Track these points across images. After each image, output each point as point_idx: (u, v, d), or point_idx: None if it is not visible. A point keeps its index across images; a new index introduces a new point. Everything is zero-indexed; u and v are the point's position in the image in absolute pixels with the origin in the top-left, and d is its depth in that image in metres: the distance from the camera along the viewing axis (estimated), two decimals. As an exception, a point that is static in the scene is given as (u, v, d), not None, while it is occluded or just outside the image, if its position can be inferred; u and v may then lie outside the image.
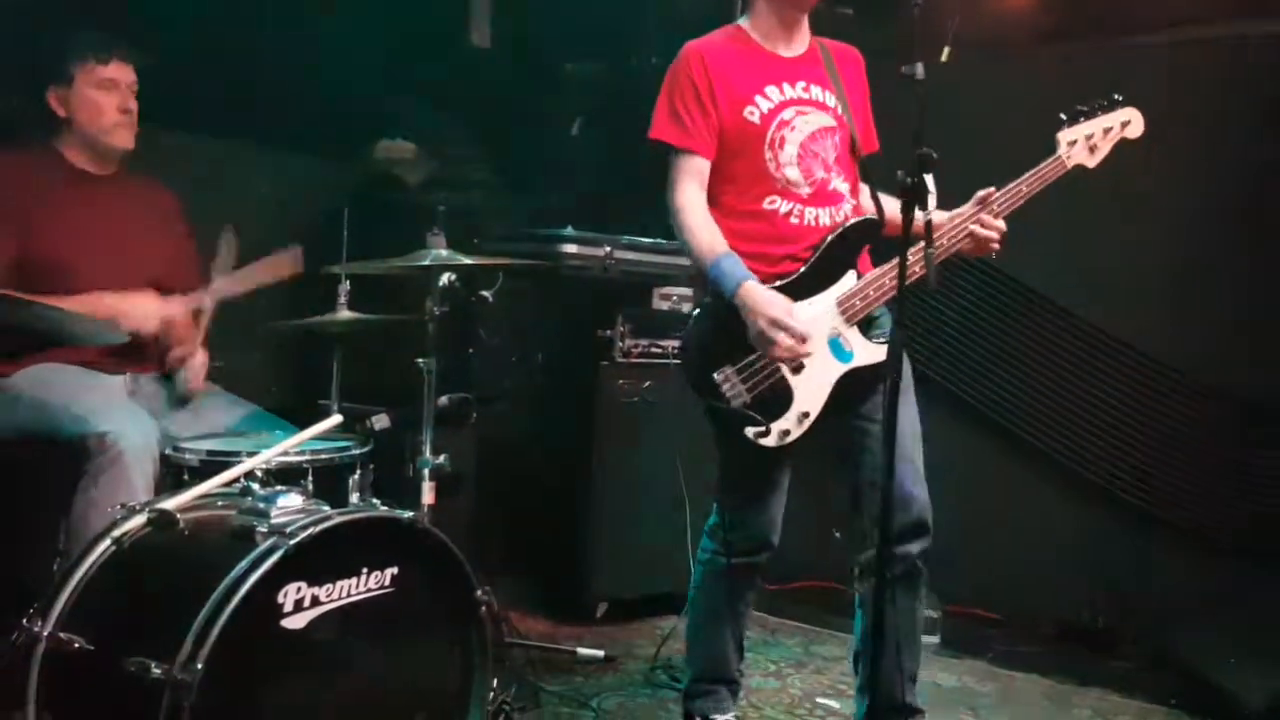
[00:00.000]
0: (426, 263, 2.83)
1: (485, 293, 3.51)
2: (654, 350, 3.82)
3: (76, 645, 1.94)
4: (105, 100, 2.81)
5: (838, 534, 4.01)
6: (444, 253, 2.87)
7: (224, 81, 3.51)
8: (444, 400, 2.96)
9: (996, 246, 2.55)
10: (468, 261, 2.89)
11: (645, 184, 3.71)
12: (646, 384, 3.78)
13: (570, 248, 3.71)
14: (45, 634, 1.96)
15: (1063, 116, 2.63)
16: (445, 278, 2.96)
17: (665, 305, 3.86)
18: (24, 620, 2.00)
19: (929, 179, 2.16)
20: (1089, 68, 3.72)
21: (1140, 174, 3.31)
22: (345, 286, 2.95)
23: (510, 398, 3.88)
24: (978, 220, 2.52)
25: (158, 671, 1.80)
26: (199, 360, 2.95)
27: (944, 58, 2.14)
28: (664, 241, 3.86)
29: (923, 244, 2.19)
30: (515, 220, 4.06)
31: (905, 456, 2.53)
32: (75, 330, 2.44)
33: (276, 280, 3.02)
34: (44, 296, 2.62)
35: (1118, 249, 3.81)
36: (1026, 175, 2.57)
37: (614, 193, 4.21)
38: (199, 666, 1.79)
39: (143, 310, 2.79)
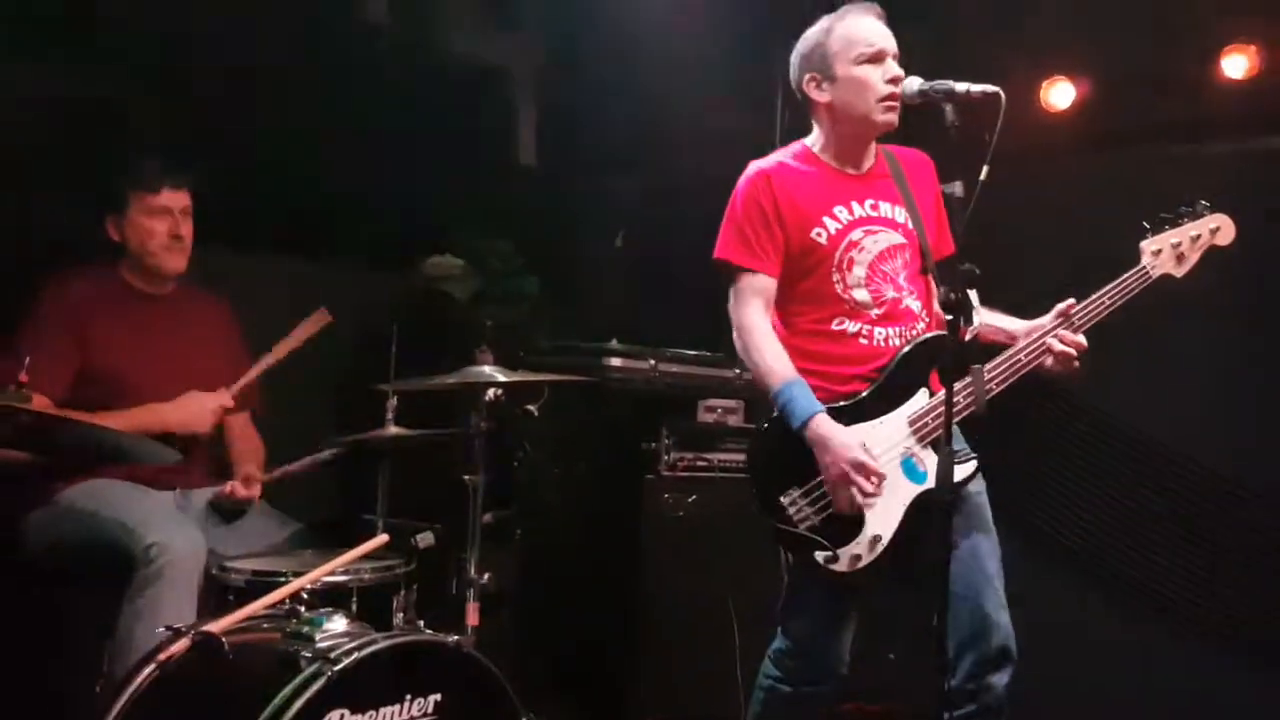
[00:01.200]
0: (471, 380, 2.85)
1: (531, 407, 3.53)
2: (699, 464, 3.78)
3: (119, 773, 1.92)
4: (157, 226, 2.90)
5: (892, 655, 3.91)
6: (490, 369, 2.89)
7: (276, 200, 3.61)
8: (488, 517, 2.95)
9: (1076, 365, 2.48)
10: (513, 379, 2.90)
11: (689, 295, 3.76)
12: (692, 498, 3.74)
13: (615, 361, 3.72)
14: (88, 761, 1.95)
15: (1145, 225, 2.56)
16: (491, 393, 2.97)
17: (710, 418, 3.84)
18: (67, 745, 1.99)
19: (973, 295, 2.16)
20: (1140, 175, 3.68)
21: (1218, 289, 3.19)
22: (392, 402, 2.98)
23: (555, 512, 3.86)
24: (1057, 335, 2.47)
25: (199, 803, 1.77)
26: (251, 470, 2.98)
27: (983, 176, 2.14)
28: (708, 354, 3.87)
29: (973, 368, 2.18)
30: (561, 333, 4.09)
31: (987, 581, 2.45)
32: (131, 449, 2.49)
33: (308, 340, 3.09)
34: (99, 412, 2.69)
35: (1170, 359, 3.69)
36: (1108, 287, 2.49)
37: (659, 304, 4.24)
38: (241, 799, 1.76)
39: (195, 409, 2.86)
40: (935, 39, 2.63)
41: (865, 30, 2.52)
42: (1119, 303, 2.50)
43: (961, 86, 2.26)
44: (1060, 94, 4.03)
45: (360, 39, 3.76)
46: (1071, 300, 2.49)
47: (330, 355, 3.63)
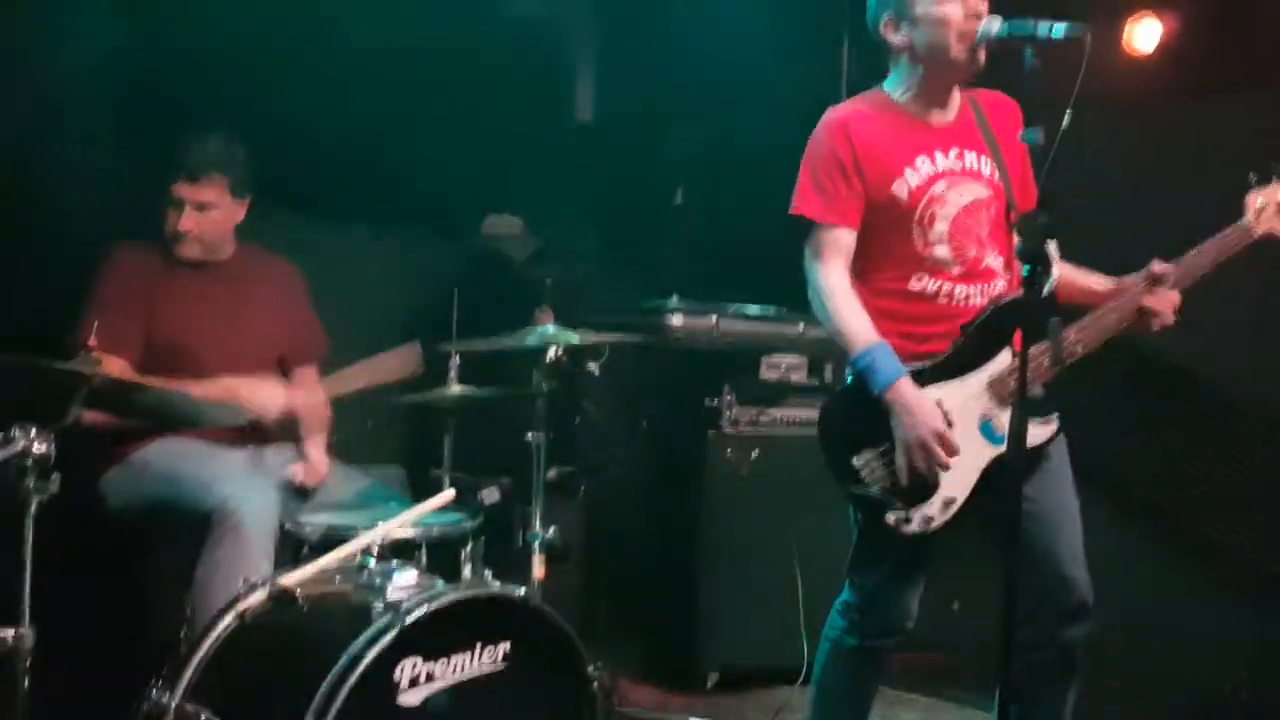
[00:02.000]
0: (533, 342, 2.87)
1: (592, 365, 3.55)
2: (762, 419, 3.78)
3: (203, 717, 2.00)
4: (171, 216, 2.93)
5: (956, 605, 3.90)
6: (551, 329, 2.91)
7: (336, 164, 3.64)
8: (552, 473, 2.99)
9: (1170, 321, 2.39)
10: (574, 340, 2.91)
11: (751, 251, 3.74)
12: (755, 453, 3.75)
13: (676, 318, 3.72)
14: (173, 705, 2.03)
15: (1251, 177, 2.42)
16: (552, 352, 2.99)
17: (773, 375, 3.82)
18: (151, 690, 2.06)
19: (1051, 246, 2.09)
20: (1232, 123, 3.48)
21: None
22: (455, 362, 3.01)
23: (617, 469, 3.88)
24: (1150, 297, 2.38)
25: (279, 747, 1.83)
26: (316, 448, 3.03)
27: (1065, 123, 2.06)
28: (771, 309, 3.85)
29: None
30: (622, 291, 4.09)
31: (1065, 539, 2.41)
32: (199, 414, 2.56)
33: (395, 378, 3.04)
34: (172, 381, 2.76)
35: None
36: (1206, 244, 2.37)
37: (720, 260, 4.22)
38: (319, 742, 1.81)
39: (266, 398, 2.89)
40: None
41: None
42: (1216, 260, 2.38)
43: (1044, 27, 2.14)
44: (1146, 33, 3.85)
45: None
46: (1166, 265, 2.38)
47: (394, 317, 3.69)
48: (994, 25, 2.30)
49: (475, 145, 3.98)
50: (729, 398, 3.74)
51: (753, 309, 3.86)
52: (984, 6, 2.35)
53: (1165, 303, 2.38)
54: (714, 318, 3.78)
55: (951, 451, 2.33)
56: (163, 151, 2.98)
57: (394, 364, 3.04)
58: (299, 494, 2.95)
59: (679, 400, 3.84)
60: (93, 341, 2.30)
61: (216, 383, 2.83)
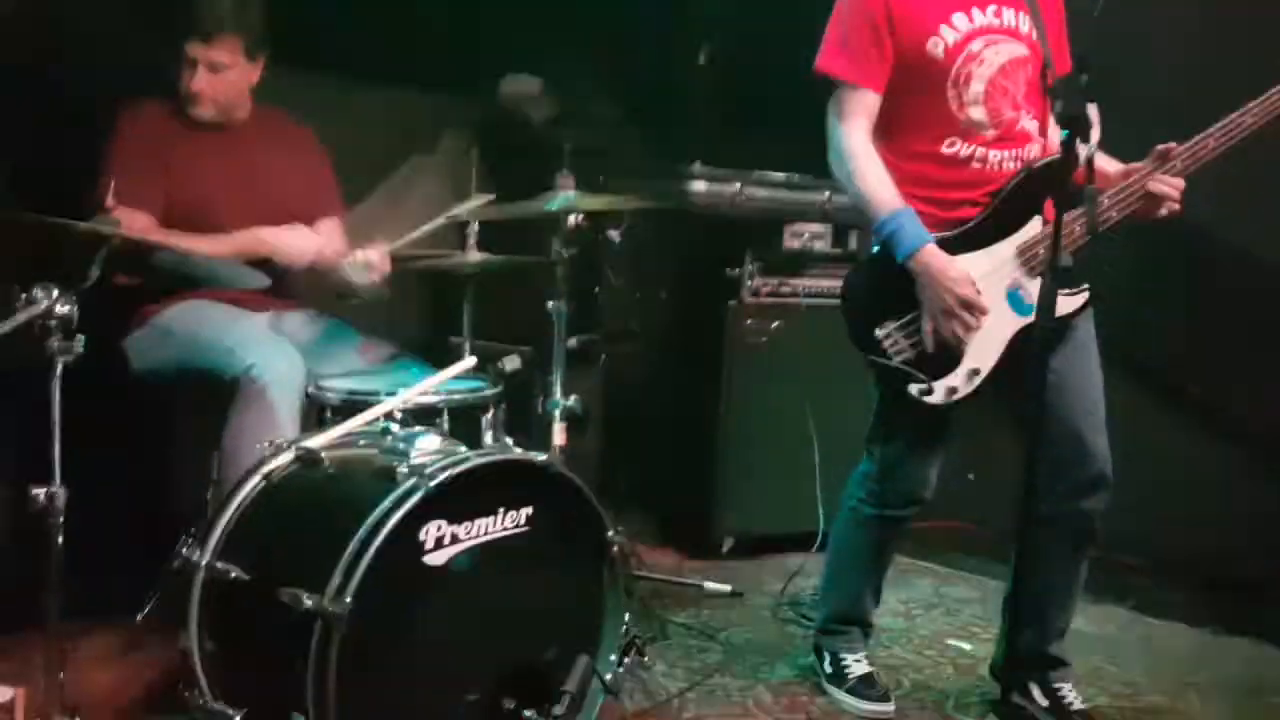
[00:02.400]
0: (552, 207, 2.82)
1: (613, 233, 3.50)
2: (784, 289, 3.74)
3: (233, 575, 2.04)
4: (184, 75, 2.86)
5: (971, 475, 3.93)
6: (570, 195, 2.86)
7: (349, 19, 3.54)
8: (572, 341, 2.98)
9: (1178, 208, 2.33)
10: (593, 206, 2.86)
11: (777, 116, 3.64)
12: (776, 324, 3.73)
13: (699, 185, 3.65)
14: (204, 563, 2.07)
15: None
16: (572, 219, 2.95)
17: (796, 244, 3.77)
18: (183, 549, 2.11)
19: (1092, 110, 2.02)
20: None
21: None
22: (474, 227, 2.98)
23: (638, 337, 3.88)
24: (1155, 181, 2.31)
25: (309, 603, 1.87)
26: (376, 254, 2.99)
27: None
28: (795, 176, 3.77)
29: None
30: (643, 155, 4.01)
31: (1086, 407, 2.41)
32: (220, 274, 2.54)
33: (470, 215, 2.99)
34: (196, 236, 2.74)
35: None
36: (1251, 105, 2.25)
37: (744, 125, 4.12)
38: (348, 600, 1.85)
39: (299, 245, 2.89)
40: None
41: None
42: (1261, 122, 2.27)
43: None
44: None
45: None
46: (1171, 144, 2.31)
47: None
48: None
49: (494, 4, 3.86)
50: (751, 267, 3.70)
51: (776, 176, 3.79)
52: None
53: (1171, 187, 2.32)
54: (737, 185, 3.72)
55: (982, 313, 2.30)
56: (177, 8, 2.89)
57: (469, 207, 3.00)
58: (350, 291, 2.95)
59: (700, 269, 3.81)
60: (110, 201, 2.28)
61: (244, 234, 2.82)
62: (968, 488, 3.64)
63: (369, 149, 3.63)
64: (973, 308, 2.30)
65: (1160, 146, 2.33)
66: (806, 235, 3.78)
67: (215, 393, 2.64)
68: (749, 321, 3.71)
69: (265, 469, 2.18)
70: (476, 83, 4.02)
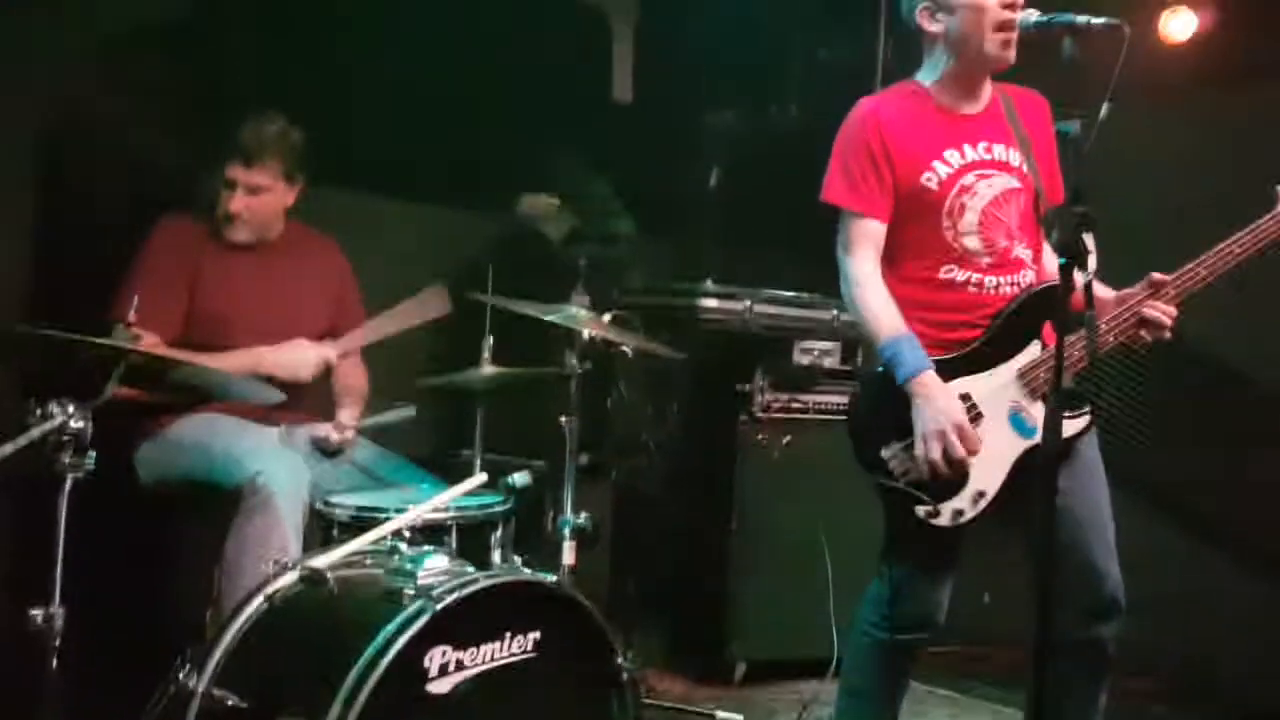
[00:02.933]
0: (567, 322, 2.84)
1: (626, 348, 3.52)
2: (794, 405, 3.74)
3: (230, 703, 1.99)
4: (223, 197, 2.93)
5: (987, 597, 3.85)
6: (586, 310, 2.88)
7: (379, 140, 3.63)
8: (584, 457, 2.97)
9: (1166, 334, 2.37)
10: (607, 325, 2.89)
11: (785, 236, 3.69)
12: (787, 439, 3.71)
13: (710, 301, 3.69)
14: (201, 690, 2.02)
15: None
16: (586, 333, 2.97)
17: (806, 359, 3.79)
18: (179, 673, 2.06)
19: (1088, 239, 2.06)
20: (1259, 118, 3.49)
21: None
22: (489, 341, 2.99)
23: (649, 453, 3.86)
24: (1149, 304, 2.35)
25: (308, 733, 1.83)
26: (346, 414, 3.03)
27: (1103, 114, 2.04)
28: (804, 294, 3.81)
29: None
30: (656, 273, 4.06)
31: (1096, 532, 2.39)
32: (236, 388, 2.55)
33: (425, 323, 3.09)
34: (206, 353, 2.76)
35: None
36: (1239, 234, 2.33)
37: (755, 243, 4.18)
38: (348, 730, 1.81)
39: (299, 358, 2.91)
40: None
41: None
42: (1250, 251, 2.33)
43: (1082, 19, 2.12)
44: (1181, 24, 3.82)
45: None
46: (1162, 276, 2.35)
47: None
48: (1030, 16, 2.29)
49: (515, 124, 3.96)
50: (761, 383, 3.70)
51: (786, 294, 3.82)
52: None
53: (1163, 314, 2.35)
54: (747, 302, 3.75)
55: (970, 445, 2.31)
56: (212, 130, 2.97)
57: (422, 307, 3.08)
58: (328, 454, 2.97)
59: (712, 385, 3.81)
60: (133, 317, 2.30)
61: (244, 353, 2.85)
62: (983, 610, 3.56)
63: (392, 262, 3.68)
64: (962, 433, 2.30)
65: (1153, 276, 2.37)
66: (816, 352, 3.80)
67: (221, 503, 2.63)
68: (760, 437, 3.69)
69: (269, 589, 2.15)
70: (496, 199, 4.10)
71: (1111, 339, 2.38)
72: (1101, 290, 2.42)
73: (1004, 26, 2.37)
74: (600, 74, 4.39)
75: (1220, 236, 2.36)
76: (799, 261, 3.51)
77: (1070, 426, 2.33)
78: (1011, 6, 2.35)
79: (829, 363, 3.81)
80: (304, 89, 3.29)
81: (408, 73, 3.67)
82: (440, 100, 3.77)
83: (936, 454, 2.31)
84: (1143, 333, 2.38)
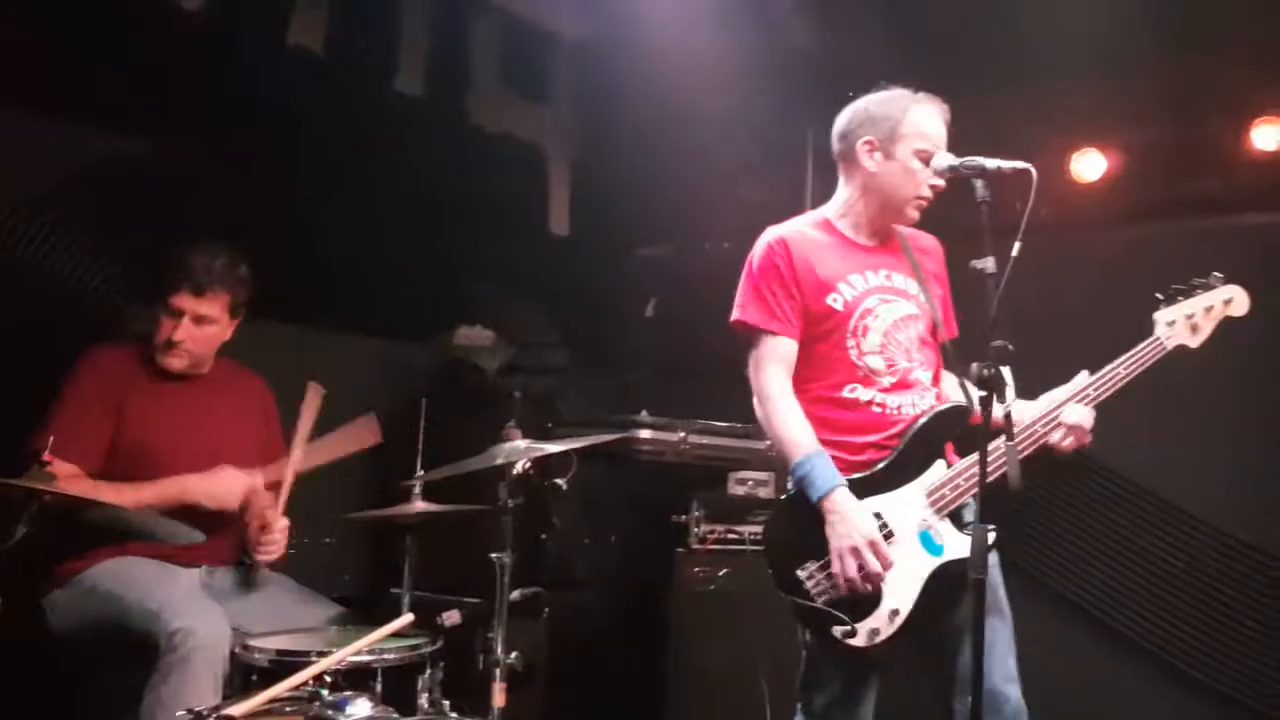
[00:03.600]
0: (500, 459, 2.83)
1: (560, 481, 3.50)
2: (730, 536, 3.72)
3: None
4: (165, 325, 2.92)
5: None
6: (519, 444, 2.88)
7: (310, 271, 3.64)
8: (516, 594, 2.91)
9: (1087, 440, 2.46)
10: (542, 453, 2.88)
11: (720, 366, 3.74)
12: (723, 571, 3.68)
13: (644, 433, 3.71)
14: None
15: (1159, 296, 2.55)
16: (520, 466, 2.95)
17: (741, 490, 3.79)
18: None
19: (1006, 371, 2.13)
20: (1172, 250, 3.65)
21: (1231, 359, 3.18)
22: (420, 474, 2.96)
23: (584, 587, 3.81)
24: (1066, 414, 2.45)
25: None
26: (279, 530, 2.96)
27: (1014, 252, 2.13)
28: (739, 425, 3.83)
29: (1004, 439, 2.15)
30: (590, 404, 4.08)
31: (998, 656, 2.41)
32: (155, 529, 2.48)
33: (356, 450, 3.07)
34: (128, 484, 2.70)
35: (1210, 434, 3.67)
36: (1124, 358, 2.49)
37: (689, 374, 4.22)
38: None
39: (226, 486, 2.86)
40: (965, 108, 2.63)
41: (934, 130, 2.53)
42: (1134, 373, 2.49)
43: (992, 163, 2.26)
44: (1090, 165, 4.02)
45: (396, 111, 3.81)
46: (1085, 373, 2.49)
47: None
48: (943, 160, 2.41)
49: (450, 256, 4.00)
50: (697, 514, 3.69)
51: (720, 425, 3.85)
52: (940, 182, 2.50)
53: (1082, 418, 2.45)
54: (681, 433, 3.76)
55: (884, 560, 2.34)
56: (143, 261, 2.97)
57: (353, 437, 3.06)
58: (252, 582, 2.90)
59: (647, 516, 3.80)
60: (48, 455, 2.25)
61: (171, 481, 2.79)
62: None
63: (329, 397, 3.65)
64: (875, 550, 2.34)
65: (1078, 377, 2.49)
66: (750, 482, 3.81)
67: (137, 657, 2.52)
68: (696, 569, 3.66)
69: (183, 741, 2.06)
70: (431, 332, 4.11)
71: (1037, 436, 2.45)
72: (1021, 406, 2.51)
73: (921, 200, 2.54)
74: (537, 208, 4.48)
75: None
76: (732, 392, 3.55)
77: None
78: (934, 190, 2.52)
79: (764, 493, 3.81)
80: (238, 221, 3.31)
81: (347, 206, 3.72)
82: (376, 232, 3.81)
83: (852, 570, 2.33)
84: (1066, 440, 2.45)
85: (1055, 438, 2.46)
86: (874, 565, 2.33)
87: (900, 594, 2.38)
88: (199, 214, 3.33)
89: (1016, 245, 2.12)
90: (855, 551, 2.33)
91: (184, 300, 2.90)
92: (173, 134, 3.41)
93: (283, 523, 2.96)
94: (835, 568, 2.36)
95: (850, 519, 2.35)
